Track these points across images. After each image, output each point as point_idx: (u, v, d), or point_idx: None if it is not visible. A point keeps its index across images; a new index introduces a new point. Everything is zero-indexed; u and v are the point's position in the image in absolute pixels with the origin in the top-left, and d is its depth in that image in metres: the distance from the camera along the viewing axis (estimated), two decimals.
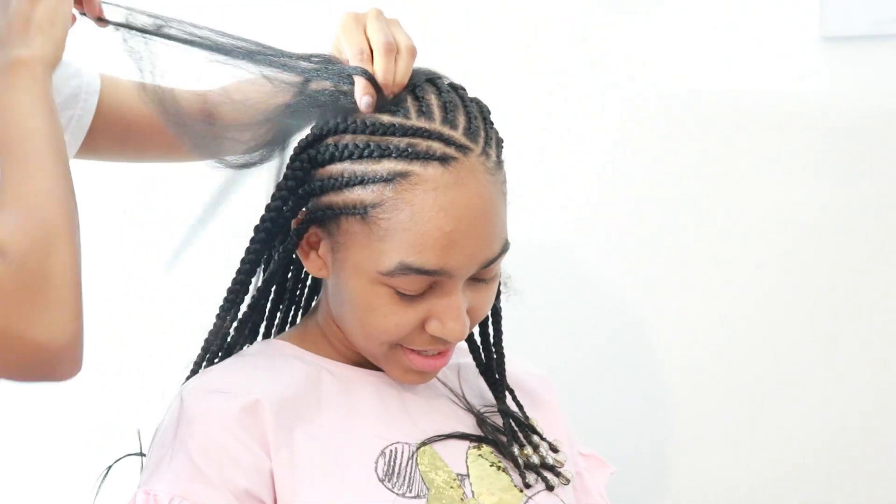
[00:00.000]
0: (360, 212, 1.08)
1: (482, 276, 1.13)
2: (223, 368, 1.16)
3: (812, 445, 1.77)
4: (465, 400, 1.21)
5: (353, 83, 1.11)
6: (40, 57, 1.08)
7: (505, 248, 1.13)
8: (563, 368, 1.70)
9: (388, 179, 1.07)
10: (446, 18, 1.76)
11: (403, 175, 1.07)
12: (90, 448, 1.73)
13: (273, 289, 1.19)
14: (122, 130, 1.32)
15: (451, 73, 1.19)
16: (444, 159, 1.07)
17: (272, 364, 1.15)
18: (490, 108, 1.16)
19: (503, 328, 1.25)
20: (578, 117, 1.76)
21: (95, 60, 1.32)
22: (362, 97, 1.10)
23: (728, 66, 1.74)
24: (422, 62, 1.19)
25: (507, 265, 1.27)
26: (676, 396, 1.78)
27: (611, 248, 1.77)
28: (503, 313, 1.25)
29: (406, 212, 1.07)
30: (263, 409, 1.09)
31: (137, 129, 1.33)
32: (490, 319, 1.24)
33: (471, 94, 1.17)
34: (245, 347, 1.21)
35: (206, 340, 1.19)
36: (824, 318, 1.76)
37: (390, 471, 1.10)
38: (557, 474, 1.20)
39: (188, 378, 1.20)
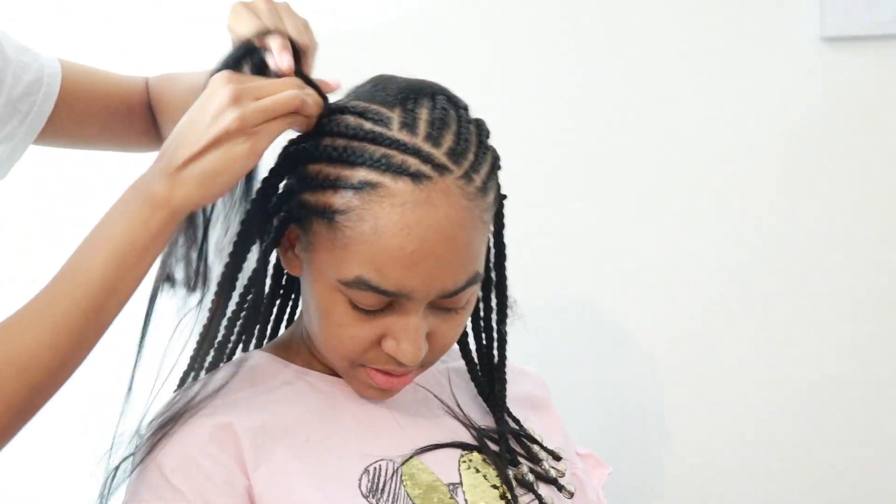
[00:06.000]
0: (328, 216, 1.06)
1: (448, 304, 1.09)
2: (203, 387, 1.15)
3: (807, 445, 1.76)
4: (460, 408, 1.20)
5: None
6: (178, 206, 1.01)
7: (473, 279, 1.08)
8: (557, 369, 1.70)
9: (358, 188, 1.04)
10: (438, 21, 1.76)
11: (373, 186, 1.04)
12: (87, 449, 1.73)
13: (254, 289, 1.16)
14: (81, 114, 1.33)
15: (446, 76, 1.18)
16: (416, 176, 1.03)
17: (255, 381, 1.15)
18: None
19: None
20: (572, 117, 1.76)
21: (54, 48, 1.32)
22: (281, 55, 1.07)
23: (727, 67, 1.74)
24: (414, 66, 1.18)
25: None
26: (671, 397, 1.78)
27: (607, 248, 1.77)
28: None
29: (370, 223, 1.04)
30: (238, 429, 1.09)
31: (95, 111, 1.34)
32: (496, 345, 1.21)
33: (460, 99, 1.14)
34: (238, 350, 1.20)
35: (200, 335, 1.17)
36: (818, 320, 1.75)
37: (374, 487, 1.09)
38: (560, 488, 1.18)
39: (183, 375, 1.19)
